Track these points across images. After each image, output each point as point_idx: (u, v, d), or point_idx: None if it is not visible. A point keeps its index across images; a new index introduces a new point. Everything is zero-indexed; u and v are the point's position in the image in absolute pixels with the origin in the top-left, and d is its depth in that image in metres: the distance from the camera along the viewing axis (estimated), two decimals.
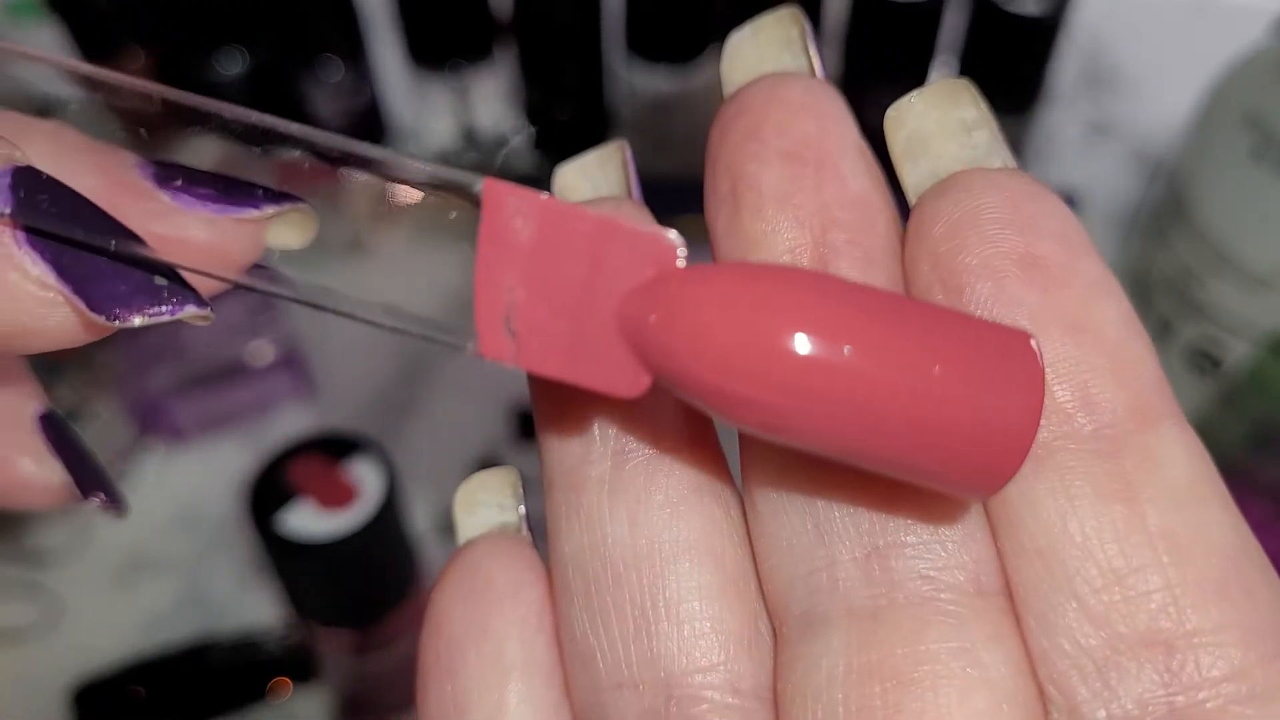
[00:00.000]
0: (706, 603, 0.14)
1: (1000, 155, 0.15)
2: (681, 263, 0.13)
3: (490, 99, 0.55)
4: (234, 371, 0.47)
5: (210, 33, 0.50)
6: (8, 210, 0.13)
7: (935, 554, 0.13)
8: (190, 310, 0.14)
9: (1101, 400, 0.13)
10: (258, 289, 0.14)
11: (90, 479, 0.18)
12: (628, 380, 0.13)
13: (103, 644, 0.44)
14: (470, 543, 0.16)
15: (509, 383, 0.50)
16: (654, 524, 0.14)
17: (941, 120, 0.15)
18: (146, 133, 0.14)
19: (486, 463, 0.48)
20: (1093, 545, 0.13)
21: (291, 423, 0.49)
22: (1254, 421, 0.44)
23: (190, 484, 0.47)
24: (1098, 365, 0.13)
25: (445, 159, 0.56)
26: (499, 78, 0.55)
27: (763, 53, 0.16)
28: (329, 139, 0.13)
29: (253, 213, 0.15)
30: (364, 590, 0.38)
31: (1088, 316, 0.13)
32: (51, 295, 0.13)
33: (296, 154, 0.14)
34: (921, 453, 0.12)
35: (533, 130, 0.56)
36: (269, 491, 0.35)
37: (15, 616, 0.44)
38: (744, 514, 0.15)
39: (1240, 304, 0.43)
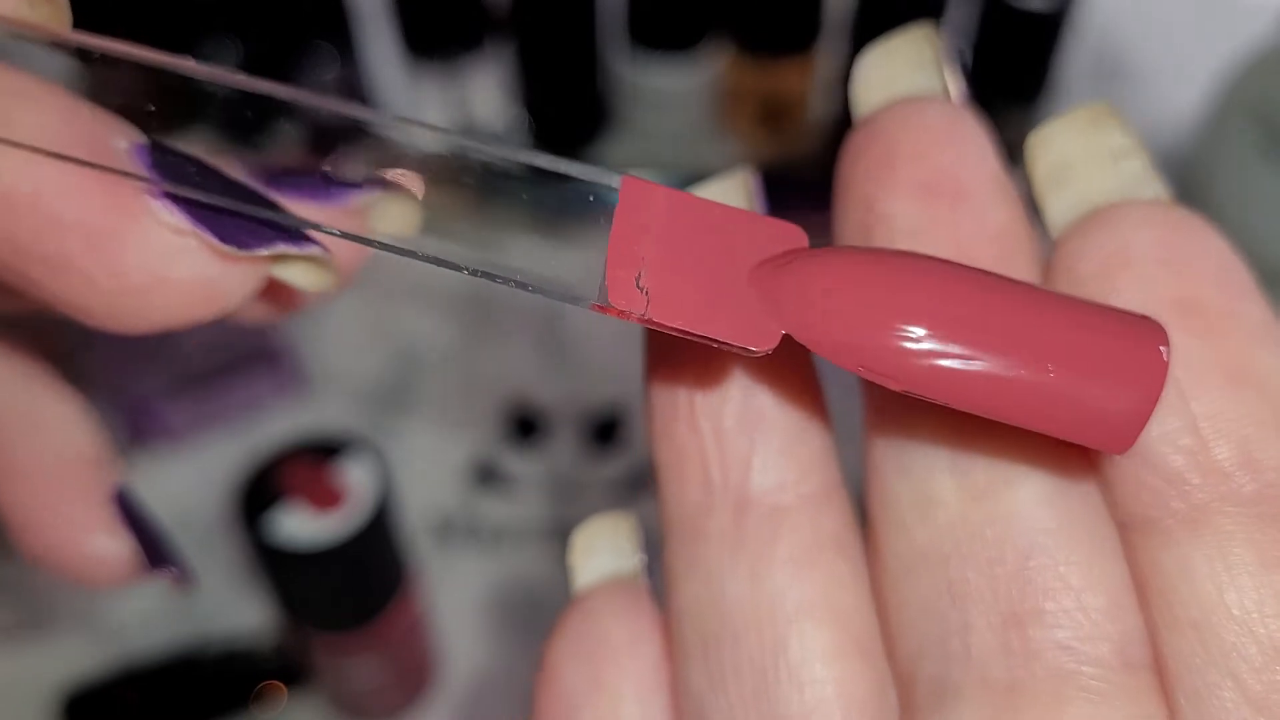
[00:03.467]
0: (830, 666, 0.13)
1: (1153, 186, 0.14)
2: (807, 245, 0.13)
3: (487, 90, 0.55)
4: (224, 372, 0.47)
5: (202, 23, 0.50)
6: (144, 168, 0.13)
7: (1078, 623, 0.12)
8: (314, 249, 0.14)
9: (1265, 459, 0.12)
10: (386, 246, 0.14)
11: (159, 553, 0.18)
12: (759, 333, 0.13)
13: (93, 650, 0.43)
14: (587, 593, 0.15)
15: (505, 382, 0.49)
16: (776, 581, 0.13)
17: (1087, 148, 0.14)
18: (153, 105, 0.14)
19: (482, 464, 0.47)
20: (1253, 619, 0.12)
21: (283, 423, 0.48)
22: None
23: (181, 486, 0.47)
24: (1261, 419, 0.12)
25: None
26: (495, 69, 0.54)
27: (895, 74, 0.15)
28: (444, 136, 0.13)
29: (357, 198, 0.14)
30: (357, 593, 0.38)
31: (1250, 366, 0.13)
32: (184, 241, 0.13)
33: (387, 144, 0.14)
34: (1042, 418, 0.12)
35: (530, 121, 0.55)
36: (260, 494, 0.35)
37: (4, 622, 0.44)
38: (870, 570, 0.14)
39: None
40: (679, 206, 0.13)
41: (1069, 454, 0.13)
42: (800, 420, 0.14)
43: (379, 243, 0.14)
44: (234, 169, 0.14)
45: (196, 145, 0.14)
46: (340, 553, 0.34)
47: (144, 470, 0.47)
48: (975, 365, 0.12)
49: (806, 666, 0.13)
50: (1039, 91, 0.51)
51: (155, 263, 0.13)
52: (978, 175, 0.14)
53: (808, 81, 0.54)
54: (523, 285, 0.13)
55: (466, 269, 0.13)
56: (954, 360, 0.12)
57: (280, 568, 0.36)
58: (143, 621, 0.44)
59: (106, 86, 0.14)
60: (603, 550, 0.16)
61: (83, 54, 0.14)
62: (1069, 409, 0.12)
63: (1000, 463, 0.13)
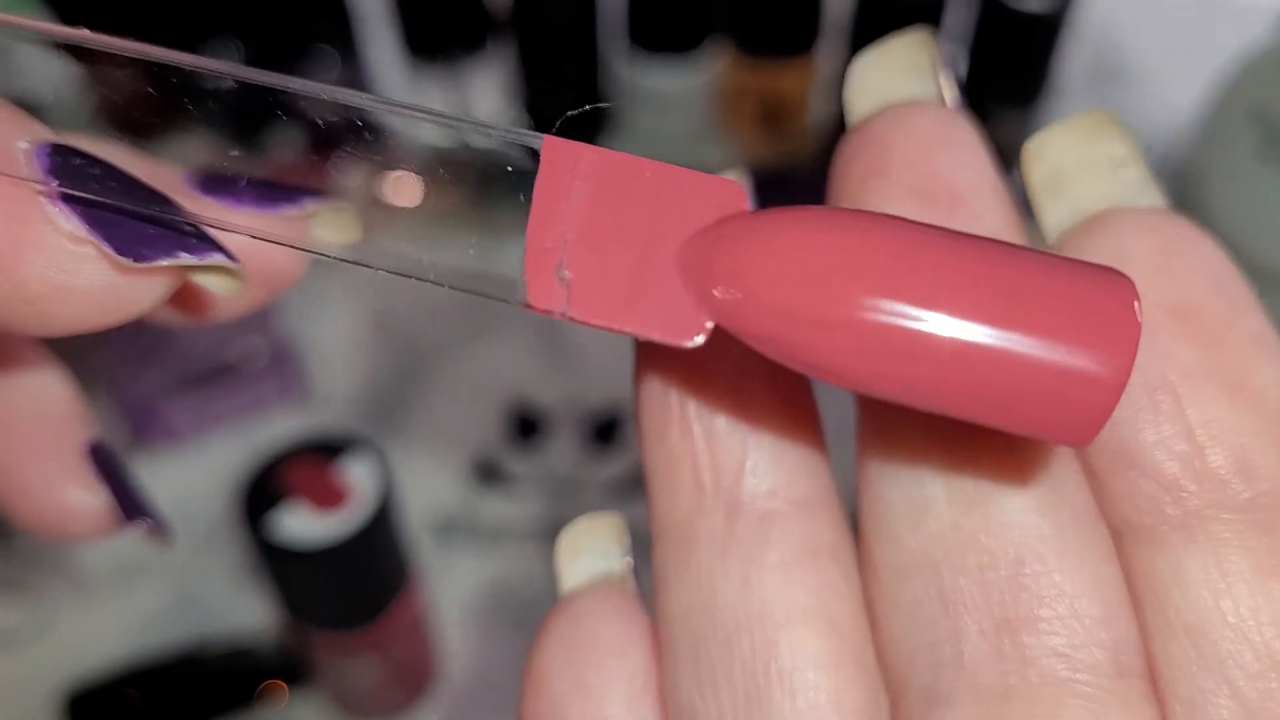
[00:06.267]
0: (822, 673, 0.13)
1: (1151, 194, 0.14)
2: (749, 206, 0.12)
3: (487, 92, 0.55)
4: (227, 372, 0.47)
5: (203, 25, 0.50)
6: (43, 171, 0.13)
7: (1071, 629, 0.12)
8: (218, 258, 0.14)
9: (1260, 466, 0.12)
10: (303, 249, 0.14)
11: (135, 506, 0.18)
12: (686, 327, 0.12)
13: (95, 648, 0.43)
14: (573, 595, 0.15)
15: (506, 382, 0.49)
16: (767, 586, 0.13)
17: (1085, 155, 0.14)
18: (147, 105, 0.14)
19: (483, 464, 0.48)
20: (1248, 626, 0.12)
21: (285, 424, 0.48)
22: None
23: (183, 486, 0.47)
24: (1257, 428, 0.12)
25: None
26: (496, 71, 0.54)
27: (890, 79, 0.15)
28: (379, 101, 0.13)
29: (294, 210, 0.14)
30: (358, 592, 0.38)
31: (1247, 375, 0.13)
32: (83, 250, 0.13)
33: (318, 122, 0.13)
34: (1002, 397, 0.11)
35: (530, 123, 0.55)
36: (262, 493, 0.35)
37: (7, 621, 0.44)
38: (862, 576, 0.14)
39: None
40: (606, 166, 0.12)
41: (1061, 459, 0.13)
42: (793, 425, 0.14)
43: (288, 244, 0.14)
44: (163, 174, 0.14)
45: (104, 147, 0.14)
46: (342, 552, 0.34)
47: (146, 470, 0.48)
48: (920, 324, 0.11)
49: (798, 673, 0.13)
50: (1037, 93, 0.52)
51: (54, 272, 0.13)
52: (972, 180, 0.14)
53: (807, 83, 0.54)
54: (446, 284, 0.13)
55: (381, 268, 0.13)
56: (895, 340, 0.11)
57: (282, 567, 0.36)
58: (146, 620, 0.44)
59: (92, 80, 0.14)
60: (590, 551, 0.15)
61: (61, 46, 0.14)
62: (1036, 379, 0.11)
63: (992, 469, 0.13)
